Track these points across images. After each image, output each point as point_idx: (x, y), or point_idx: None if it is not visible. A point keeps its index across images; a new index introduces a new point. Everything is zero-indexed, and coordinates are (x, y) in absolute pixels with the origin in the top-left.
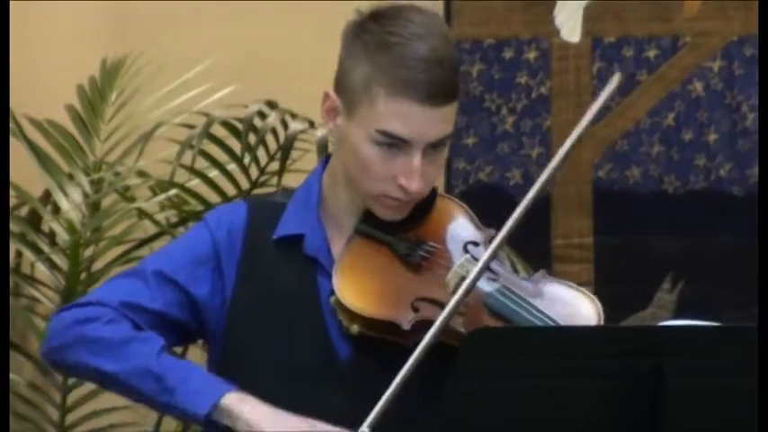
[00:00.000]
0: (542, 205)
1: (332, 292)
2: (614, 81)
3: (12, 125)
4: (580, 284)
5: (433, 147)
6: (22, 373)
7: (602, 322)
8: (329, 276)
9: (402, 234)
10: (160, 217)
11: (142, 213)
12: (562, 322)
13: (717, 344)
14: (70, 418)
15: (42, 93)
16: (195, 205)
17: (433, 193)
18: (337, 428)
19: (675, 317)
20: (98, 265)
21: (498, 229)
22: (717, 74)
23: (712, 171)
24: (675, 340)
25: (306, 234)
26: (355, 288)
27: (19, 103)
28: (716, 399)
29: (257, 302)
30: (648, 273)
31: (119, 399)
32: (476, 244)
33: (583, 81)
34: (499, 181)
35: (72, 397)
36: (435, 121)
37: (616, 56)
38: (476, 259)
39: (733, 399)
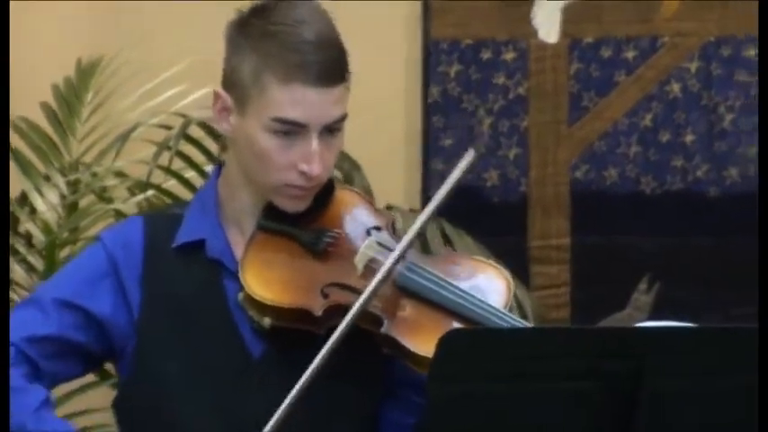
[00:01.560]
0: (519, 206)
1: (240, 289)
2: (468, 156)
3: None
4: (557, 286)
5: (329, 131)
6: None
7: (511, 290)
8: (234, 277)
9: (304, 225)
10: None
11: (119, 214)
12: (471, 291)
13: (695, 345)
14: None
15: (17, 93)
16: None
17: (331, 184)
18: None
19: (652, 318)
20: None
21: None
22: (694, 75)
23: (689, 172)
24: (653, 341)
25: (206, 238)
26: (263, 280)
27: None
28: (694, 400)
29: (164, 314)
30: (625, 274)
31: (95, 400)
32: (378, 228)
33: (560, 82)
34: (476, 182)
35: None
36: (329, 103)
37: (594, 57)
38: (380, 244)
39: (711, 400)
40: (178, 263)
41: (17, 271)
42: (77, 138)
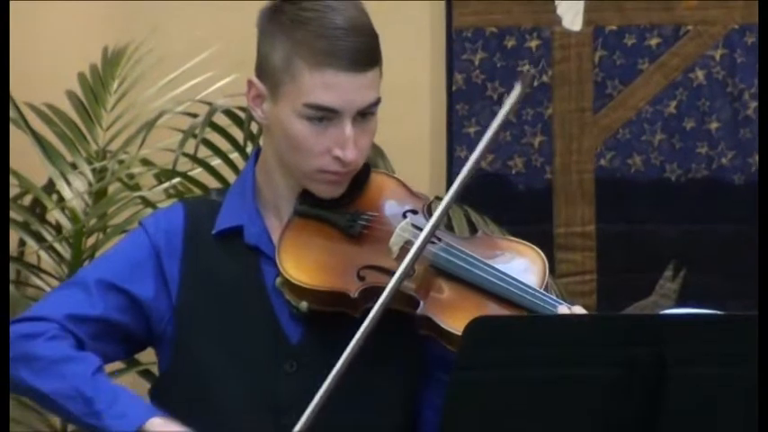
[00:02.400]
0: (544, 194)
1: (277, 274)
2: (516, 89)
3: (14, 113)
4: (582, 273)
5: (362, 115)
6: None
7: (546, 270)
8: (272, 263)
9: (340, 209)
10: (163, 205)
11: (145, 202)
12: (512, 274)
13: (719, 332)
14: None
15: (44, 81)
16: (198, 193)
17: (367, 169)
18: None
19: (677, 305)
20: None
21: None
22: (718, 62)
23: (714, 159)
24: (677, 329)
25: (244, 224)
26: (300, 264)
27: (21, 91)
28: (717, 388)
29: (204, 299)
30: (650, 261)
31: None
32: (414, 212)
33: (584, 69)
34: (501, 169)
35: None
36: (361, 88)
37: (618, 44)
38: (415, 226)
39: (734, 388)
40: (217, 249)
41: (45, 259)
42: (103, 126)
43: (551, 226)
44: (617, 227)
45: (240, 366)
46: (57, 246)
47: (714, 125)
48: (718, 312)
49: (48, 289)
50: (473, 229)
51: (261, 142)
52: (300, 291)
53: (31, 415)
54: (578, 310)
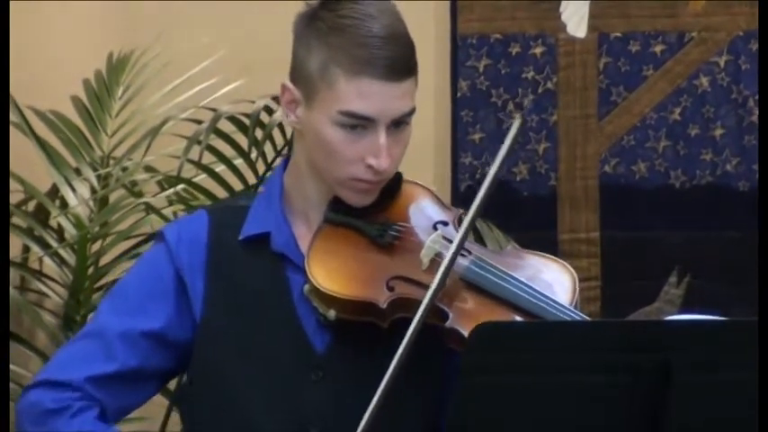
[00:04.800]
0: (549, 200)
1: (306, 281)
2: (516, 124)
3: (18, 119)
4: (587, 279)
5: (396, 125)
6: (29, 367)
7: (577, 287)
8: (299, 270)
9: (371, 218)
10: (168, 212)
11: (150, 208)
12: (540, 289)
13: (724, 338)
14: None
15: (49, 87)
16: (203, 200)
17: (399, 178)
18: None
19: (682, 311)
20: (105, 260)
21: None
22: (723, 69)
23: (719, 166)
24: (682, 335)
25: (271, 231)
26: (329, 272)
27: (25, 97)
28: (723, 394)
29: (229, 309)
30: (655, 267)
31: None
32: (445, 223)
33: (589, 76)
34: (506, 176)
35: None
36: (396, 97)
37: (622, 51)
38: (446, 238)
39: (740, 394)
40: (243, 256)
41: (49, 264)
42: (108, 132)
43: (555, 232)
44: (621, 233)
45: (265, 375)
46: (61, 252)
47: (718, 132)
48: (723, 318)
49: (51, 295)
50: (477, 235)
51: (266, 149)
52: (329, 299)
53: None
54: None
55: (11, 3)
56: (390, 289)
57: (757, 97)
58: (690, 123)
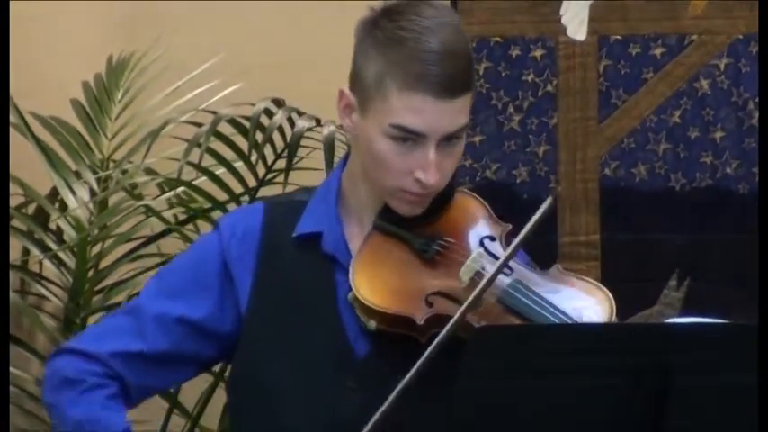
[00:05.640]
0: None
1: (350, 289)
2: (547, 202)
3: (19, 122)
4: None
5: (447, 140)
6: (29, 370)
7: (614, 316)
8: (347, 273)
9: (419, 229)
10: (168, 214)
11: (149, 211)
12: (576, 317)
13: (725, 341)
14: None
15: (49, 91)
16: (203, 203)
17: (452, 189)
18: None
19: (682, 314)
20: (105, 263)
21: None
22: (723, 72)
23: (719, 168)
24: (683, 338)
25: (323, 232)
26: (371, 283)
27: (26, 100)
28: (723, 397)
29: (275, 302)
30: (655, 270)
31: None
32: (492, 239)
33: (589, 79)
34: (506, 179)
35: None
36: (448, 114)
37: (622, 54)
38: (489, 253)
39: (740, 397)
40: (294, 253)
41: (48, 267)
42: (108, 135)
43: (556, 235)
44: (621, 236)
45: (303, 376)
46: (60, 254)
47: (719, 135)
48: (723, 321)
49: (51, 297)
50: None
51: (266, 151)
52: (369, 311)
53: (32, 421)
54: None
55: (11, 5)
56: (429, 305)
57: (757, 100)
58: (690, 126)
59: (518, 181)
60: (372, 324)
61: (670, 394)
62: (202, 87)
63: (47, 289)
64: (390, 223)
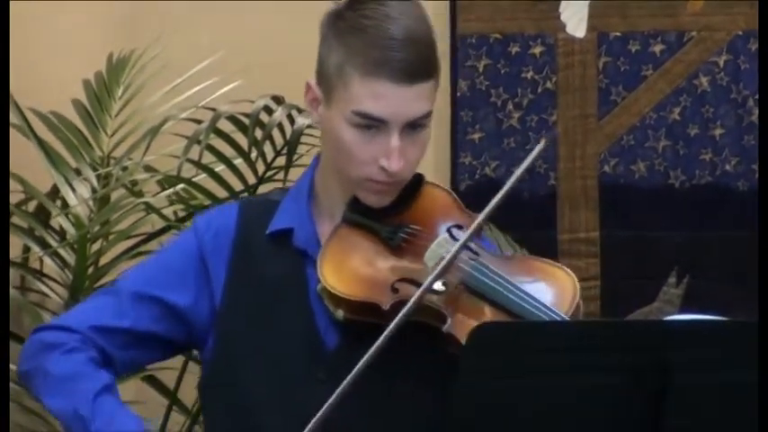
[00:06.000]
0: (548, 200)
1: (318, 280)
2: (542, 142)
3: (19, 119)
4: (586, 279)
5: (411, 127)
6: None
7: (578, 297)
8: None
9: (387, 219)
10: (167, 211)
11: (150, 208)
12: (540, 298)
13: (724, 339)
14: None
15: (49, 88)
16: (202, 200)
17: (420, 180)
18: None
19: (681, 311)
20: (105, 260)
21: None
22: (722, 68)
23: (718, 165)
24: (682, 335)
25: (295, 227)
26: (337, 272)
27: (26, 98)
28: (722, 394)
29: (248, 299)
30: (654, 267)
31: (125, 393)
32: (459, 227)
33: (588, 76)
34: (505, 176)
35: None
36: (410, 100)
37: (622, 51)
38: (455, 239)
39: (740, 394)
40: (267, 249)
41: (49, 264)
42: (108, 132)
43: (555, 232)
44: (621, 233)
45: (275, 369)
46: (61, 251)
47: (718, 131)
48: (722, 319)
49: (52, 295)
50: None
51: (265, 149)
52: (336, 299)
53: (33, 419)
54: None
55: (11, 5)
56: (395, 291)
57: (757, 97)
58: (689, 123)
59: None
60: (340, 313)
61: (669, 392)
62: (202, 85)
63: (47, 286)
64: (358, 214)
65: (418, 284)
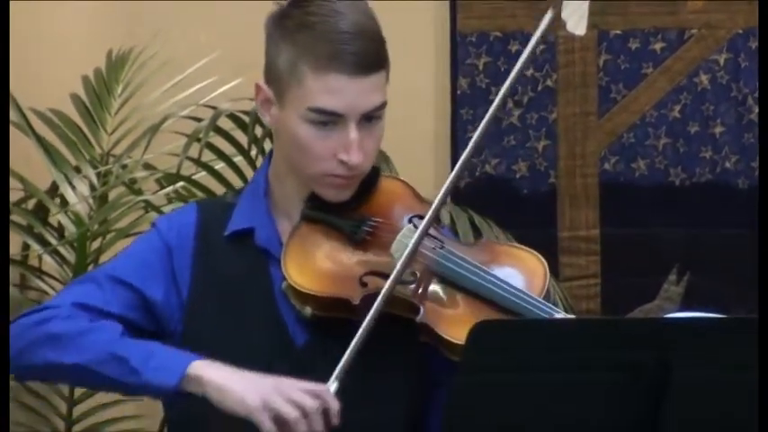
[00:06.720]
0: (549, 198)
1: (283, 278)
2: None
3: (18, 118)
4: (587, 277)
5: (367, 119)
6: None
7: (548, 279)
8: (281, 266)
9: (347, 213)
10: (167, 209)
11: (149, 206)
12: (511, 282)
13: (724, 336)
14: (78, 409)
15: (49, 86)
16: (202, 198)
17: (377, 173)
18: (302, 383)
19: (681, 309)
20: (105, 258)
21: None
22: (723, 66)
23: (718, 163)
24: (682, 332)
25: (255, 227)
26: (303, 270)
27: (25, 95)
28: (723, 391)
29: (212, 300)
30: (654, 265)
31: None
32: (421, 217)
33: (589, 74)
34: (506, 174)
35: (79, 389)
36: (365, 92)
37: (622, 48)
38: (417, 228)
39: (739, 391)
40: (228, 250)
41: (48, 262)
42: (108, 130)
43: (555, 230)
44: (621, 231)
45: (245, 367)
46: (60, 249)
47: (718, 129)
48: (722, 316)
49: (51, 292)
50: (476, 232)
51: (265, 146)
52: (304, 296)
53: (32, 416)
54: None
55: (11, 3)
56: (363, 285)
57: (757, 95)
58: (689, 121)
59: (518, 176)
60: (308, 311)
61: (669, 389)
62: (202, 82)
63: (47, 284)
64: (317, 210)
65: (386, 276)
